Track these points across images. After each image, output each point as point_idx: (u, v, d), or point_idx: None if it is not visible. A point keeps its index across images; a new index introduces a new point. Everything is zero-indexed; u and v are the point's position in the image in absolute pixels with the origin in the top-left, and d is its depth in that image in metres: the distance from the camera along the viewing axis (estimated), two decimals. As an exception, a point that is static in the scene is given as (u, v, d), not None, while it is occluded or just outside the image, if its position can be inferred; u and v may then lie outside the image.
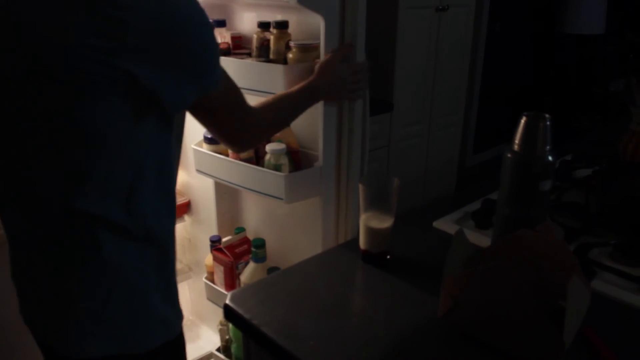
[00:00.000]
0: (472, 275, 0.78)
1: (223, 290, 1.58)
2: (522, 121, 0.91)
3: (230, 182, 1.42)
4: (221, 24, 1.42)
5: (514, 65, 4.19)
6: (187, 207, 1.79)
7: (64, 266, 0.82)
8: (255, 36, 1.35)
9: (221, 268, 1.57)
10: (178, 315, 0.94)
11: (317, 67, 1.18)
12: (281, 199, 1.29)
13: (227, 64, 1.26)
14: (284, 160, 1.31)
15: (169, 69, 0.74)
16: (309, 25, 1.30)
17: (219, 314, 1.66)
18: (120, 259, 0.81)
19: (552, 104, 4.17)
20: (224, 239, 1.60)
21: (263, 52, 1.33)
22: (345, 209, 1.36)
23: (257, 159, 1.39)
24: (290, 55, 1.26)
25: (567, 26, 3.78)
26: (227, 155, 1.41)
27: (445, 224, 1.17)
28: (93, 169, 0.76)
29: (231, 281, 1.57)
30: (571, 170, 1.47)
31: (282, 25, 1.28)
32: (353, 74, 1.22)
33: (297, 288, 0.96)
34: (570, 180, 1.40)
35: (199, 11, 0.76)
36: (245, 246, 1.57)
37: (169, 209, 0.89)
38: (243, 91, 0.94)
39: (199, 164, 1.50)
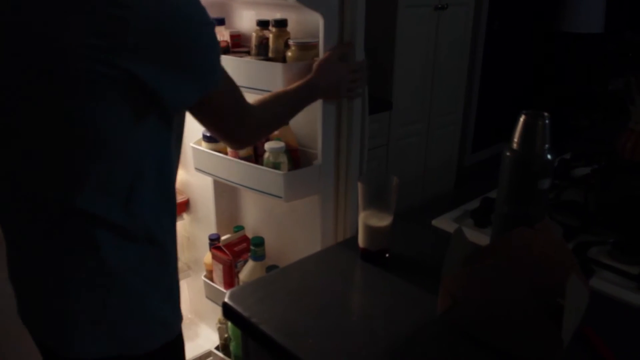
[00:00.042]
0: (470, 274, 0.78)
1: (222, 289, 1.58)
2: (521, 120, 0.91)
3: (229, 181, 1.42)
4: (220, 22, 1.42)
5: (513, 64, 4.19)
6: (186, 205, 1.78)
7: (62, 266, 0.81)
8: (254, 34, 1.35)
9: (220, 266, 1.57)
10: (178, 316, 0.93)
11: (315, 65, 1.18)
12: (280, 197, 1.29)
13: (226, 62, 1.25)
14: (283, 159, 1.31)
15: (170, 69, 0.73)
16: (308, 23, 1.30)
17: (217, 312, 1.66)
18: (118, 260, 0.81)
19: (551, 103, 4.17)
20: (222, 238, 1.60)
21: (262, 51, 1.33)
22: (344, 208, 1.36)
23: (256, 157, 1.39)
24: (289, 54, 1.26)
25: (566, 25, 3.79)
26: (226, 153, 1.41)
27: (444, 223, 1.17)
28: (92, 168, 0.75)
29: (230, 279, 1.57)
30: (570, 168, 1.47)
31: (281, 24, 1.28)
32: (352, 72, 1.22)
33: (296, 286, 0.96)
34: (569, 178, 1.40)
35: (200, 10, 0.75)
36: (244, 244, 1.57)
37: (169, 209, 0.88)
38: (242, 89, 0.94)
39: (198, 162, 1.49)
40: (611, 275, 0.97)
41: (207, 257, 1.64)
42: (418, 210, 1.26)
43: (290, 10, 1.34)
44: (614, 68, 3.83)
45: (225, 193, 1.66)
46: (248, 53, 1.39)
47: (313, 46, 1.25)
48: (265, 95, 1.09)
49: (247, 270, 1.50)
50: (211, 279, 1.64)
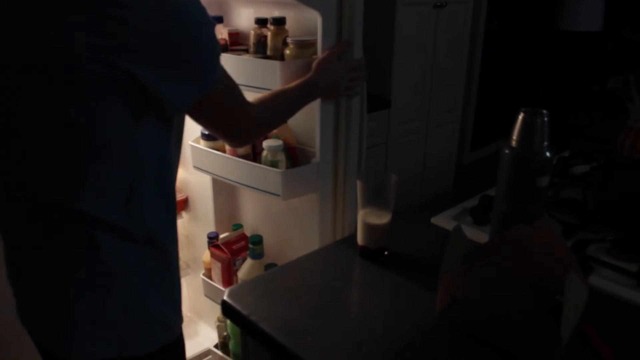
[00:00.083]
0: (469, 271, 0.78)
1: (220, 287, 1.58)
2: (520, 117, 0.91)
3: (227, 179, 1.41)
4: (218, 20, 1.42)
5: (511, 62, 4.19)
6: (184, 203, 1.78)
7: (62, 267, 0.81)
8: (252, 32, 1.35)
9: (219, 265, 1.57)
10: (179, 316, 0.93)
11: (314, 64, 1.18)
12: (278, 195, 1.29)
13: (225, 60, 1.25)
14: (281, 157, 1.30)
15: (170, 69, 0.73)
16: (306, 21, 1.30)
17: (216, 310, 1.66)
18: (118, 261, 0.80)
19: (550, 101, 4.17)
20: (221, 236, 1.60)
21: (260, 48, 1.33)
22: (343, 206, 1.36)
23: (255, 156, 1.39)
24: (287, 52, 1.26)
25: (564, 23, 3.78)
26: (224, 151, 1.41)
27: (443, 220, 1.17)
28: (92, 169, 0.75)
29: (228, 278, 1.57)
30: (569, 166, 1.47)
31: (279, 22, 1.28)
32: (351, 71, 1.22)
33: (295, 284, 0.96)
34: (568, 176, 1.40)
35: (200, 10, 0.75)
36: (243, 243, 1.57)
37: (170, 209, 0.88)
38: (240, 87, 0.93)
39: (196, 160, 1.49)
40: (610, 272, 0.97)
41: (206, 255, 1.64)
42: (417, 208, 1.26)
43: (288, 8, 1.33)
44: (613, 66, 3.83)
45: (223, 191, 1.66)
46: (246, 51, 1.39)
47: (311, 44, 1.25)
48: (265, 93, 1.09)
49: (246, 269, 1.50)
50: (210, 278, 1.64)
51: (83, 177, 0.75)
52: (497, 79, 4.06)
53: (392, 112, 2.66)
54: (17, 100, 0.75)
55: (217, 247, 1.55)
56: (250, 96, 1.03)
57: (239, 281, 1.51)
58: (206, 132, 1.44)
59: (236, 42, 1.45)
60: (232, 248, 1.54)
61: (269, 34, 1.30)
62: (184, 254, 1.88)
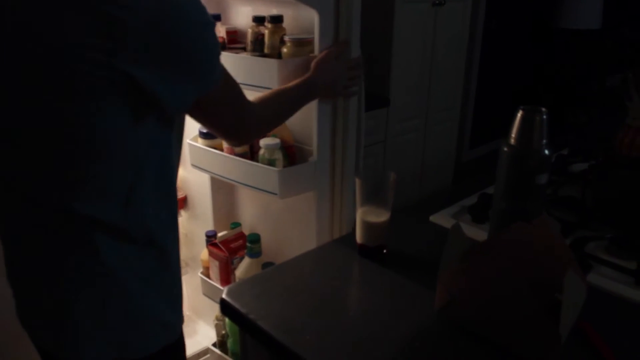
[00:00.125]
0: (468, 269, 0.78)
1: (218, 285, 1.58)
2: (519, 115, 0.91)
3: (225, 177, 1.41)
4: (216, 18, 1.42)
5: (510, 60, 4.19)
6: (183, 202, 1.78)
7: (61, 268, 0.80)
8: (249, 30, 1.34)
9: (216, 263, 1.56)
10: (179, 317, 0.92)
11: (313, 63, 1.18)
12: (275, 194, 1.29)
13: (222, 58, 1.25)
14: (278, 155, 1.30)
15: (169, 70, 0.72)
16: (304, 19, 1.30)
17: (215, 309, 1.66)
18: (118, 262, 0.80)
19: (549, 99, 4.17)
20: (219, 234, 1.60)
21: (258, 47, 1.32)
22: (340, 205, 1.35)
23: (252, 154, 1.39)
24: (284, 50, 1.26)
25: (563, 21, 3.78)
26: (222, 150, 1.41)
27: (442, 218, 1.16)
28: (91, 170, 0.74)
29: (226, 276, 1.56)
30: (567, 164, 1.47)
31: (277, 20, 1.28)
32: (349, 70, 1.22)
33: (294, 282, 0.96)
34: (567, 174, 1.40)
35: (200, 9, 0.74)
36: (241, 241, 1.57)
37: (170, 209, 0.87)
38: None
39: (194, 158, 1.49)
40: (609, 270, 0.97)
41: (204, 253, 1.64)
42: (416, 207, 1.26)
43: (286, 6, 1.33)
44: (612, 64, 3.83)
45: (222, 190, 1.66)
46: (244, 49, 1.38)
47: (308, 42, 1.24)
48: (265, 93, 1.09)
49: (243, 267, 1.50)
50: (208, 276, 1.64)
51: (82, 178, 0.75)
52: (495, 77, 4.06)
53: (391, 111, 2.66)
54: (16, 101, 0.74)
55: (214, 245, 1.55)
56: (248, 94, 1.02)
57: (237, 280, 1.51)
58: (204, 131, 1.44)
59: (234, 40, 1.45)
60: (229, 246, 1.54)
61: (266, 32, 1.30)
62: (183, 252, 1.88)
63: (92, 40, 0.66)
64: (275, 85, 1.19)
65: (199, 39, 0.75)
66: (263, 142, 1.30)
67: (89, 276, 0.80)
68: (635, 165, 1.35)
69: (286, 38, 1.26)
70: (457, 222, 0.89)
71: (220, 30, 1.43)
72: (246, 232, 1.63)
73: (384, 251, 1.02)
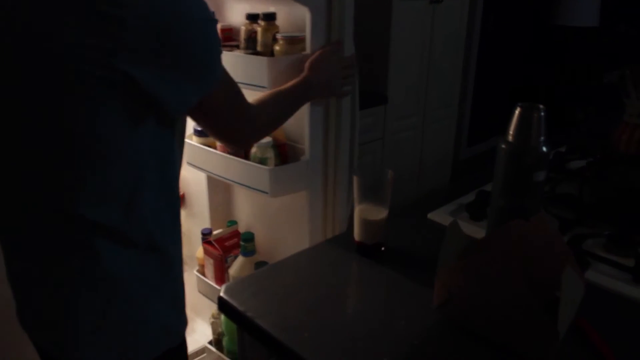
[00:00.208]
0: (466, 267, 0.78)
1: (213, 284, 1.58)
2: (517, 112, 0.91)
3: (218, 175, 1.41)
4: (212, 15, 1.41)
5: (508, 57, 4.19)
6: (181, 200, 1.78)
7: (62, 272, 0.80)
8: (243, 28, 1.34)
9: (211, 261, 1.56)
10: (182, 321, 0.92)
11: (307, 63, 1.17)
12: (266, 192, 1.28)
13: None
14: (270, 154, 1.30)
15: (170, 69, 0.71)
16: (298, 17, 1.29)
17: (211, 306, 1.66)
18: (120, 267, 0.79)
19: (546, 96, 4.17)
20: (214, 232, 1.59)
21: (251, 44, 1.32)
22: (333, 204, 1.35)
23: (245, 152, 1.38)
24: (277, 48, 1.25)
25: (561, 18, 3.78)
26: (215, 148, 1.41)
27: (440, 216, 1.16)
28: (91, 173, 0.73)
29: (221, 274, 1.56)
30: (565, 161, 1.47)
31: (270, 17, 1.27)
32: (343, 68, 1.22)
33: (291, 281, 0.96)
34: (564, 171, 1.40)
35: (201, 6, 0.72)
36: (235, 239, 1.56)
37: (172, 214, 0.86)
38: None
39: (189, 156, 1.49)
40: (606, 267, 0.97)
41: (199, 251, 1.64)
42: (414, 204, 1.25)
43: (283, 3, 1.33)
44: (609, 61, 3.83)
45: (219, 188, 1.66)
46: (238, 47, 1.38)
47: (300, 40, 1.24)
48: (261, 95, 1.07)
49: (237, 266, 1.49)
50: (203, 274, 1.63)
51: (82, 180, 0.74)
52: (493, 74, 4.06)
53: (389, 108, 2.66)
54: (16, 102, 0.73)
55: (209, 243, 1.55)
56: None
57: (230, 278, 1.51)
58: (199, 128, 1.43)
59: (229, 37, 1.45)
60: (224, 245, 1.54)
61: (259, 29, 1.29)
62: (180, 250, 1.88)
63: (91, 41, 0.65)
64: (266, 83, 1.19)
65: (200, 37, 0.73)
66: (255, 140, 1.29)
67: (89, 280, 0.79)
68: (632, 162, 1.35)
69: (278, 36, 1.25)
70: (455, 219, 0.89)
71: (216, 28, 1.42)
72: (243, 230, 1.62)
73: (382, 249, 1.02)
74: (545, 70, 4.30)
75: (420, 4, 2.65)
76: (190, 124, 1.43)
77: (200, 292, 1.66)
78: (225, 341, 1.63)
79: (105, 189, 0.75)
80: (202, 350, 1.77)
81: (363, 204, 0.99)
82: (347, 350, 0.77)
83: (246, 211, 1.66)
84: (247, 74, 1.23)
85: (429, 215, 1.17)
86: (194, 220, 1.76)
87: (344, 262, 1.02)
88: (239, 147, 1.19)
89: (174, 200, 0.87)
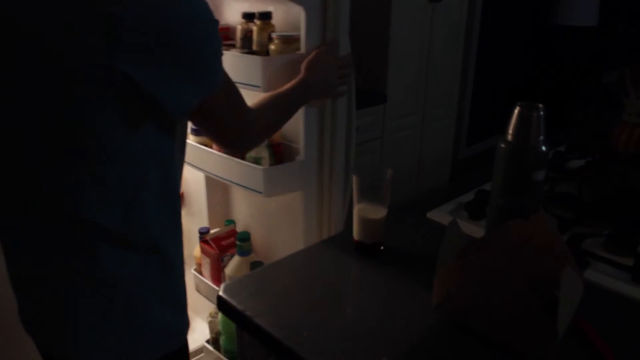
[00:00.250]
0: (465, 266, 0.78)
1: (210, 282, 1.58)
2: (516, 111, 0.91)
3: (214, 175, 1.41)
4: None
5: (507, 57, 4.19)
6: (181, 199, 1.78)
7: (62, 276, 0.79)
8: (239, 27, 1.33)
9: (208, 260, 1.56)
10: (184, 324, 0.91)
11: (303, 64, 1.16)
12: (260, 192, 1.28)
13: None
14: (264, 154, 1.29)
15: (169, 70, 0.70)
16: (297, 16, 1.29)
17: (208, 305, 1.66)
18: (121, 270, 0.79)
19: (546, 96, 4.17)
20: (211, 231, 1.59)
21: (246, 44, 1.31)
22: (329, 204, 1.34)
23: (241, 152, 1.38)
24: (272, 47, 1.25)
25: (560, 18, 3.79)
26: (211, 147, 1.41)
27: (439, 215, 1.16)
28: (91, 175, 0.73)
29: (217, 273, 1.56)
30: (564, 161, 1.47)
31: (265, 16, 1.27)
32: (340, 68, 1.21)
33: (291, 280, 0.96)
34: (564, 171, 1.40)
35: (202, 6, 0.71)
36: (232, 239, 1.56)
37: (173, 216, 0.86)
38: None
39: (186, 156, 1.49)
40: (605, 267, 0.97)
41: (197, 250, 1.63)
42: (413, 203, 1.25)
43: (279, 3, 1.32)
44: (609, 61, 3.83)
45: (217, 187, 1.66)
46: (234, 46, 1.37)
47: (295, 39, 1.23)
48: (260, 99, 1.06)
49: (233, 265, 1.49)
50: (200, 273, 1.63)
51: (82, 183, 0.73)
52: (492, 73, 4.06)
53: (388, 107, 2.66)
54: (15, 103, 0.73)
55: (206, 242, 1.55)
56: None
57: (227, 278, 1.50)
58: (194, 127, 1.43)
59: (226, 37, 1.45)
60: (220, 244, 1.53)
61: (254, 28, 1.28)
62: (179, 249, 1.88)
63: (88, 40, 0.64)
64: (260, 82, 1.18)
65: (200, 38, 0.72)
66: (249, 139, 1.28)
67: (90, 284, 0.79)
68: (632, 162, 1.35)
69: (274, 35, 1.25)
70: (454, 218, 0.89)
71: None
72: (240, 230, 1.62)
73: (381, 248, 1.02)
74: (545, 69, 4.30)
75: (420, 3, 2.65)
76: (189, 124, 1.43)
77: (197, 291, 1.66)
78: (222, 340, 1.63)
79: (105, 190, 0.74)
80: (200, 350, 1.77)
81: (362, 203, 0.99)
82: (347, 349, 0.77)
83: (244, 211, 1.66)
84: (242, 74, 1.22)
85: (428, 215, 1.17)
86: (193, 219, 1.76)
87: (343, 261, 1.02)
88: (238, 151, 1.16)
89: (175, 202, 0.86)
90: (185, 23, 0.69)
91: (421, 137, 2.96)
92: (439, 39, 2.83)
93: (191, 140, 1.44)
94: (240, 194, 1.65)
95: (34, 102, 0.71)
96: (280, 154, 1.36)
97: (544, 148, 0.90)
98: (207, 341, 1.71)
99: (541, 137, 0.90)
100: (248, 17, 1.30)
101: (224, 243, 1.54)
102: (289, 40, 1.23)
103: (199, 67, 0.74)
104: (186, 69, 0.72)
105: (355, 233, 1.02)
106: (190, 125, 1.43)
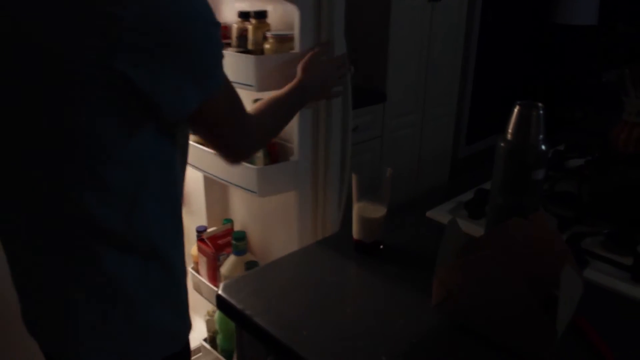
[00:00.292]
0: (464, 265, 0.78)
1: (206, 281, 1.58)
2: (516, 110, 0.91)
3: (209, 174, 1.41)
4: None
5: (507, 55, 4.19)
6: (179, 198, 1.78)
7: (63, 278, 0.79)
8: (234, 26, 1.33)
9: (204, 259, 1.56)
10: (186, 326, 0.91)
11: (299, 66, 1.16)
12: (254, 192, 1.28)
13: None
14: (259, 153, 1.29)
15: (169, 70, 0.68)
16: (291, 16, 1.29)
17: (205, 304, 1.66)
18: (121, 271, 0.79)
19: (545, 95, 4.17)
20: (208, 230, 1.59)
21: (242, 43, 1.31)
22: (324, 204, 1.33)
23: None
24: (267, 46, 1.25)
25: (560, 17, 3.79)
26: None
27: (439, 214, 1.16)
28: (92, 176, 0.72)
29: (213, 272, 1.56)
30: (564, 160, 1.47)
31: (261, 15, 1.26)
32: (337, 68, 1.21)
33: (290, 279, 0.96)
34: (563, 170, 1.40)
35: (203, 7, 0.70)
36: (229, 238, 1.55)
37: (174, 218, 0.85)
38: None
39: (185, 155, 1.49)
40: (605, 266, 0.97)
41: (194, 249, 1.63)
42: (412, 202, 1.25)
43: (276, 2, 1.32)
44: (608, 60, 3.83)
45: (215, 186, 1.65)
46: (230, 45, 1.37)
47: (290, 39, 1.23)
48: (259, 104, 1.04)
49: (228, 265, 1.49)
50: (197, 271, 1.63)
51: (82, 182, 0.73)
52: (492, 72, 4.06)
53: (388, 106, 2.66)
54: (15, 103, 0.72)
55: (203, 241, 1.55)
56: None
57: (222, 277, 1.50)
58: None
59: (223, 36, 1.44)
60: (217, 243, 1.53)
61: (249, 27, 1.28)
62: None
63: (90, 41, 0.64)
64: (253, 81, 1.17)
65: (201, 40, 0.70)
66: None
67: (91, 286, 0.79)
68: (631, 161, 1.35)
69: (268, 34, 1.24)
70: (454, 217, 0.89)
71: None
72: (238, 229, 1.62)
73: (381, 247, 1.02)
74: (545, 68, 4.30)
75: (419, 2, 2.65)
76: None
77: (195, 289, 1.65)
78: (219, 339, 1.63)
79: (105, 192, 0.74)
80: (198, 350, 1.76)
81: (362, 201, 0.99)
82: (346, 348, 0.77)
83: (241, 210, 1.66)
84: (234, 73, 1.21)
85: (428, 214, 1.17)
86: (193, 218, 1.76)
87: (342, 260, 1.02)
88: (239, 159, 1.09)
89: (176, 205, 0.85)
90: (186, 23, 0.68)
91: (421, 136, 2.96)
92: (438, 38, 2.83)
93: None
94: (238, 193, 1.65)
95: (34, 102, 0.70)
96: (275, 154, 1.36)
97: (543, 147, 0.90)
98: (205, 340, 1.71)
99: (541, 136, 0.90)
100: (244, 15, 1.30)
101: (220, 242, 1.54)
102: (284, 40, 1.22)
103: (199, 69, 0.72)
104: (186, 71, 0.71)
105: (355, 232, 1.02)
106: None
